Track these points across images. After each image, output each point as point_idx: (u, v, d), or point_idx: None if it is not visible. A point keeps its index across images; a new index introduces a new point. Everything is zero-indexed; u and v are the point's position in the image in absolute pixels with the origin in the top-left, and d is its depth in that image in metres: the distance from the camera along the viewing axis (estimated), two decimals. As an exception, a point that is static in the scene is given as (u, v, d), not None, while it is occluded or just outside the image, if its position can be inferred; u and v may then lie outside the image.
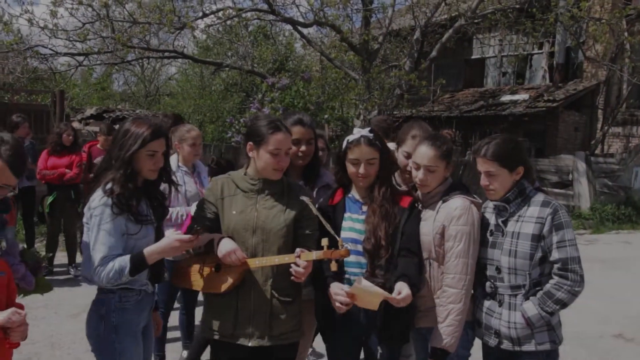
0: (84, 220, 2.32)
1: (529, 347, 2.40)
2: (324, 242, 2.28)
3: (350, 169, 2.53)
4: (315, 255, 2.26)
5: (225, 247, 2.34)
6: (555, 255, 2.34)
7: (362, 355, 2.69)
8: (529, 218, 2.39)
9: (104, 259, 2.22)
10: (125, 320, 2.33)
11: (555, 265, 2.35)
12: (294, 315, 2.48)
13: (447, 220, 2.45)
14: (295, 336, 2.50)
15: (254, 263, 2.37)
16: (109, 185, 2.28)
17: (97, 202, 2.26)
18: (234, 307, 2.42)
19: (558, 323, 2.46)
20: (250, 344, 2.40)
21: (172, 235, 2.27)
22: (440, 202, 2.52)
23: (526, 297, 2.40)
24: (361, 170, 2.48)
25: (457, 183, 2.61)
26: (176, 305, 4.22)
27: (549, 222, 2.35)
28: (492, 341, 2.48)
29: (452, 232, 2.43)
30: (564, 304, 2.36)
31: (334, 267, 2.28)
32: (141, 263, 2.25)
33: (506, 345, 2.45)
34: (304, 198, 2.43)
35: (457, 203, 2.46)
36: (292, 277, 2.29)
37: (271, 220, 2.42)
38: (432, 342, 2.43)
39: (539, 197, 2.43)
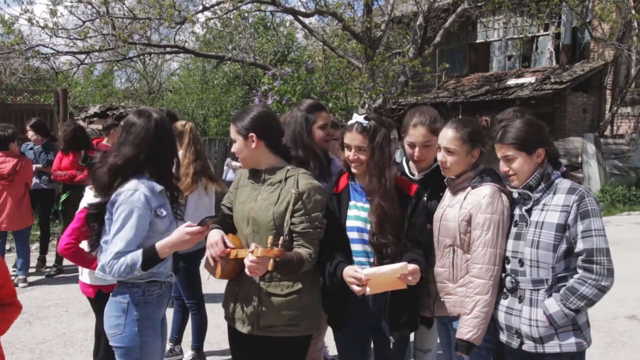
0: (106, 216, 2.32)
1: (553, 348, 2.22)
2: (270, 239, 2.21)
3: (345, 153, 2.53)
4: (260, 251, 2.15)
5: (210, 238, 2.37)
6: (580, 246, 2.18)
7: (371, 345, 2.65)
8: (555, 207, 2.23)
9: (118, 253, 2.24)
10: (148, 313, 2.37)
11: (580, 257, 2.18)
12: (290, 310, 2.39)
13: (474, 208, 2.37)
14: (291, 331, 2.41)
15: (234, 253, 2.36)
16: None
17: (125, 198, 2.26)
18: (235, 293, 2.48)
19: (586, 323, 2.29)
20: (243, 330, 2.44)
21: (182, 229, 2.28)
22: (469, 188, 2.45)
23: (549, 294, 2.23)
24: (351, 155, 2.48)
25: (489, 170, 2.51)
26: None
27: (574, 210, 2.18)
28: (515, 342, 2.31)
29: (479, 220, 2.35)
30: (589, 301, 2.16)
31: (270, 266, 2.16)
32: (153, 257, 2.26)
33: (528, 346, 2.27)
34: (293, 190, 2.35)
35: (486, 190, 2.38)
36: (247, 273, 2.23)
37: (262, 212, 2.39)
38: (457, 334, 2.37)
39: (565, 184, 2.27)
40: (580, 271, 2.19)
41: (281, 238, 2.22)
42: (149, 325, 2.37)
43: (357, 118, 2.50)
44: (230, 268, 2.40)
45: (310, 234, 2.35)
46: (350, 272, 2.31)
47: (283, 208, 2.36)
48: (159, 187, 2.36)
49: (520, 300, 2.30)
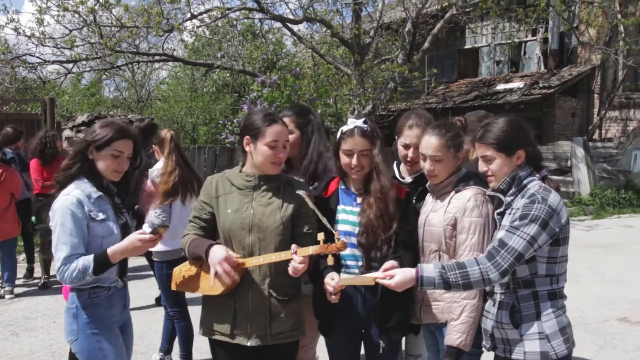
0: (50, 223, 2.36)
1: (518, 354, 2.13)
2: (320, 236, 2.22)
3: (344, 160, 2.47)
4: (312, 250, 2.20)
5: (215, 256, 2.27)
6: (498, 234, 2.11)
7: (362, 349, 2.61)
8: (517, 211, 2.11)
9: (66, 258, 2.26)
10: (98, 314, 2.37)
11: (492, 244, 2.12)
12: (294, 314, 2.43)
13: (459, 212, 2.34)
14: (295, 335, 2.45)
15: (251, 262, 2.31)
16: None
17: (59, 203, 2.30)
18: (232, 308, 2.38)
19: (555, 333, 2.12)
20: (248, 344, 2.36)
21: (134, 235, 2.29)
22: (453, 192, 2.42)
23: (515, 296, 2.15)
24: (354, 161, 2.42)
25: (472, 173, 2.46)
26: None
27: (519, 212, 2.08)
28: (489, 344, 2.27)
29: (465, 224, 2.32)
30: (467, 283, 2.05)
31: (330, 261, 2.22)
32: (105, 262, 2.26)
33: (499, 350, 2.21)
34: (300, 192, 2.36)
35: (470, 194, 2.35)
36: (291, 274, 2.24)
37: (267, 218, 2.35)
38: (446, 340, 2.33)
39: (533, 189, 2.13)
40: (480, 255, 2.12)
41: (336, 232, 2.23)
42: (103, 326, 2.36)
43: (356, 122, 2.45)
44: (233, 282, 2.32)
45: (313, 235, 2.35)
46: (327, 280, 2.32)
47: (289, 212, 2.37)
48: (96, 193, 2.36)
49: (494, 303, 2.25)
